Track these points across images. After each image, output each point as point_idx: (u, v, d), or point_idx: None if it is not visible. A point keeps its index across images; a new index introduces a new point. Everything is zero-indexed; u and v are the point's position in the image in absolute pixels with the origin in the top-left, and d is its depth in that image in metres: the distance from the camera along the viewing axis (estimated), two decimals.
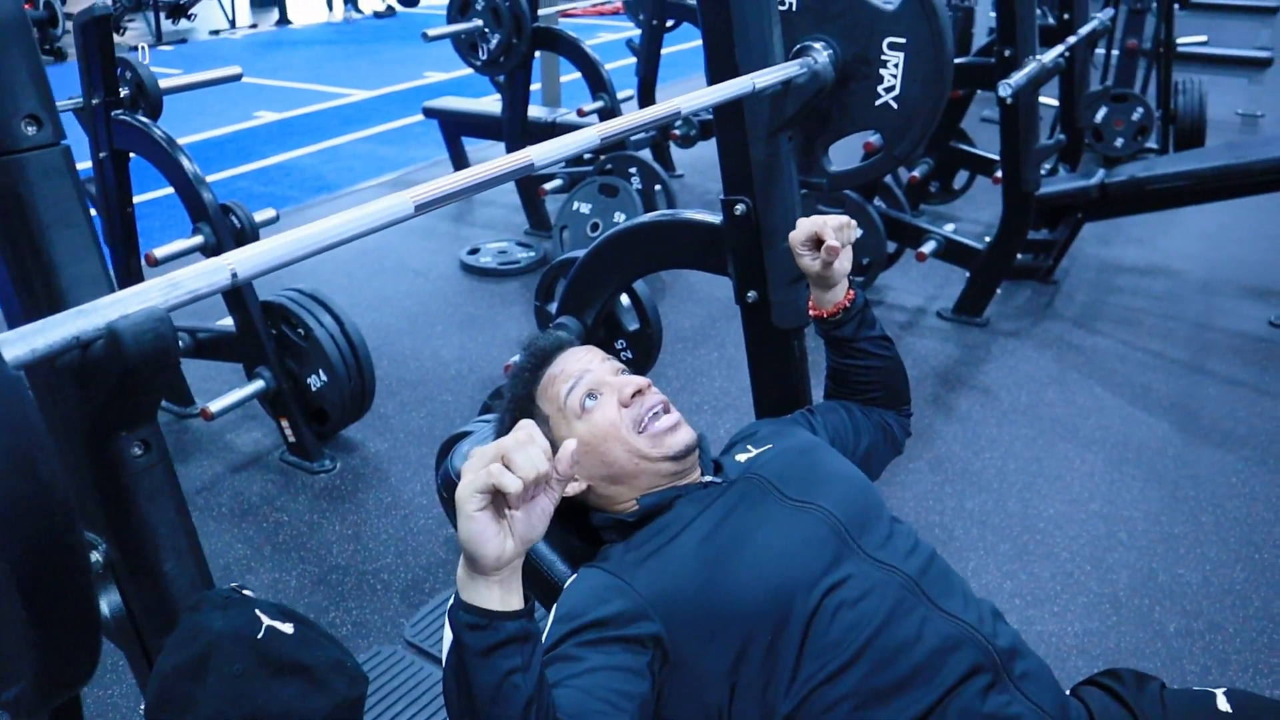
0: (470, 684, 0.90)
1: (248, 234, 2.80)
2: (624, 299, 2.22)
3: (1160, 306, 3.93)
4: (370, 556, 2.58)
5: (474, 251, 4.66)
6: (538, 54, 4.77)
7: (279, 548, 2.63)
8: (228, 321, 2.93)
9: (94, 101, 2.78)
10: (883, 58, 1.67)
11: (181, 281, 0.83)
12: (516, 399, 1.35)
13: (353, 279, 4.47)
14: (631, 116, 1.32)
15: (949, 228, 3.90)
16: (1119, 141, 5.08)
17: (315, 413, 2.97)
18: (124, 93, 2.86)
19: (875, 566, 1.16)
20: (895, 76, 1.67)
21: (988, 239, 3.68)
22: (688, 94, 1.44)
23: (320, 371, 2.88)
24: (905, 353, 3.60)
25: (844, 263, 1.40)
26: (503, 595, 0.90)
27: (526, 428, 0.89)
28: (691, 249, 1.93)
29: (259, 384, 2.88)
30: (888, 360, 1.52)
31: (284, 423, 2.96)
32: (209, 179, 2.82)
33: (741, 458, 1.35)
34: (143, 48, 2.95)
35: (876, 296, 4.05)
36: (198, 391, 3.27)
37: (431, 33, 4.26)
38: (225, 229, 2.76)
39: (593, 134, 1.24)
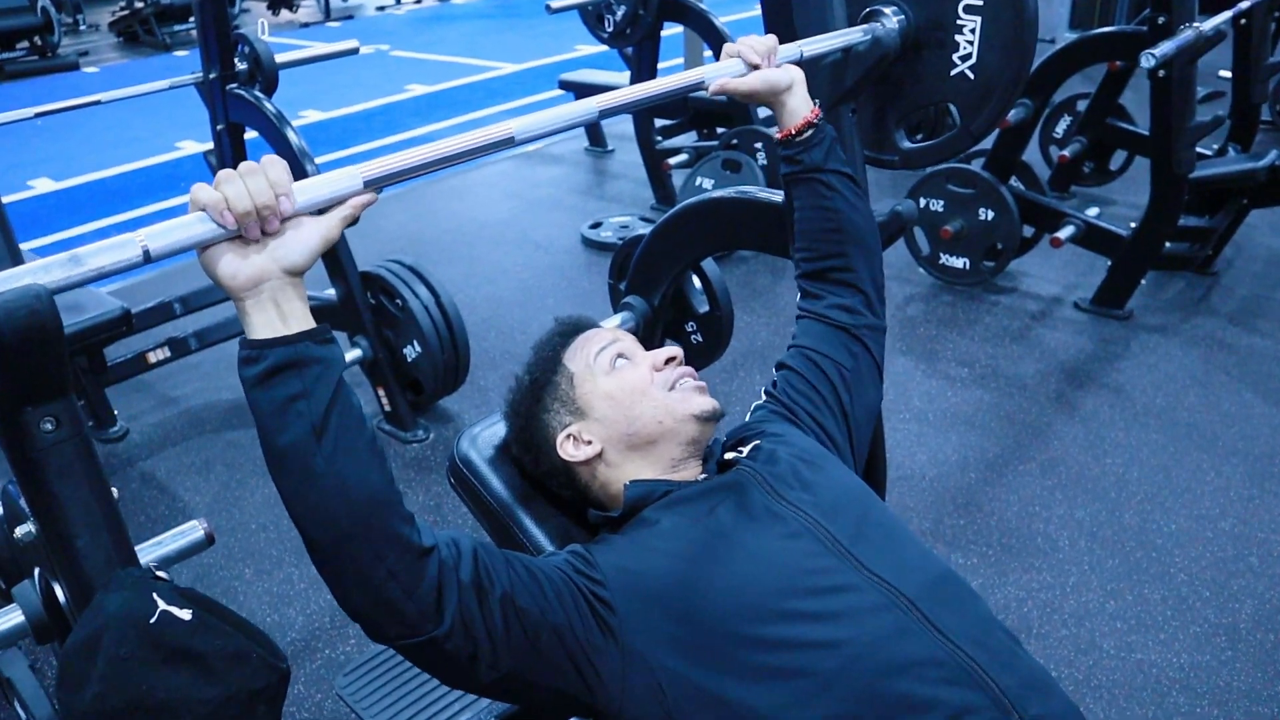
0: (257, 420, 0.88)
1: None
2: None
3: None
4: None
5: (596, 225, 4.64)
6: (680, 28, 4.68)
7: None
8: (331, 292, 3.00)
9: (211, 76, 2.89)
10: (958, 23, 1.51)
11: (84, 257, 0.81)
12: (541, 360, 1.31)
13: (474, 249, 4.53)
14: (643, 86, 1.22)
15: (1092, 212, 3.59)
16: None
17: (411, 383, 3.02)
18: (242, 67, 2.96)
19: (868, 580, 1.04)
20: (971, 44, 1.51)
21: (1134, 225, 3.37)
22: (720, 62, 1.33)
23: (415, 342, 2.92)
24: (1033, 345, 3.42)
25: (781, 73, 1.33)
26: (270, 321, 0.88)
27: (262, 160, 0.88)
28: (755, 228, 1.81)
29: (357, 353, 2.94)
30: (857, 207, 1.39)
31: (380, 392, 3.02)
32: (354, 150, 2.87)
33: (732, 455, 1.26)
34: (262, 23, 3.04)
35: (1009, 283, 3.79)
36: None
37: (555, 4, 4.24)
38: None
39: (591, 106, 1.16)
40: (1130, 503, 2.52)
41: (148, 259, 0.84)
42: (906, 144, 1.70)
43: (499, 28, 10.48)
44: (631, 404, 1.21)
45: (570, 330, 1.33)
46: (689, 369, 1.27)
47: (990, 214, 3.51)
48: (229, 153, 3.05)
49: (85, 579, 0.87)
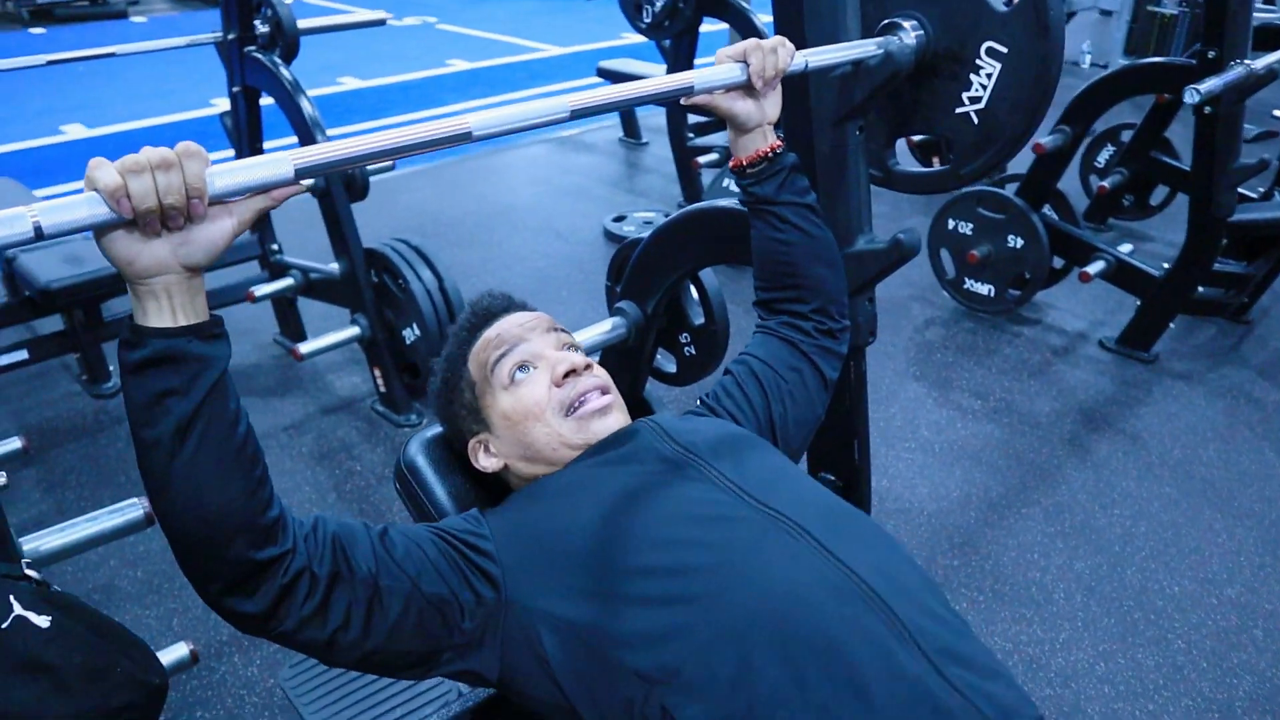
0: (127, 408, 0.83)
1: (357, 181, 2.80)
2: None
3: None
4: None
5: (620, 219, 4.56)
6: (726, 25, 4.58)
7: (344, 496, 2.63)
8: (335, 266, 2.95)
9: (229, 36, 2.84)
10: (977, 62, 1.42)
11: None
12: (449, 359, 1.27)
13: (493, 233, 4.47)
14: (624, 87, 1.14)
15: (1125, 248, 3.46)
16: None
17: (408, 366, 2.96)
18: (264, 30, 2.91)
19: (758, 511, 1.01)
20: (985, 88, 1.41)
21: (1167, 265, 3.24)
22: (716, 67, 1.25)
23: (414, 325, 2.86)
24: (1052, 382, 3.30)
25: (774, 108, 1.25)
26: (159, 310, 0.82)
27: (179, 150, 0.78)
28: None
29: (355, 330, 2.89)
30: (813, 238, 1.31)
31: (376, 372, 2.97)
32: (386, 121, 2.81)
33: None
34: None
35: (1034, 315, 3.67)
36: (313, 331, 3.33)
37: None
38: (336, 174, 2.77)
39: (563, 104, 1.07)
40: (1134, 559, 2.41)
41: (40, 236, 0.78)
42: (896, 164, 1.61)
43: (549, 8, 10.39)
44: (525, 429, 1.16)
45: (480, 320, 1.26)
46: (593, 382, 1.18)
47: (1020, 242, 3.39)
48: (243, 116, 3.00)
49: None
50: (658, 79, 1.18)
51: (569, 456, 1.15)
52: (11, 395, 3.10)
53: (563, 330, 1.25)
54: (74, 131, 5.89)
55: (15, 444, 2.04)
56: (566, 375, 1.16)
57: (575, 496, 1.08)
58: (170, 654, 1.66)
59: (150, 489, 0.84)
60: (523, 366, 1.18)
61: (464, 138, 1.00)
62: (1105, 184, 3.98)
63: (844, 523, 1.03)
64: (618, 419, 1.17)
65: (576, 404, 1.16)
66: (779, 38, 1.24)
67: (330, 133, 2.69)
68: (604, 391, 1.18)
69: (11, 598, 0.77)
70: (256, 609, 0.87)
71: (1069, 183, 3.82)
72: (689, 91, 1.20)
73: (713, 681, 0.89)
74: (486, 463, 1.21)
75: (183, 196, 0.78)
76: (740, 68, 1.22)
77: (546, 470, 1.17)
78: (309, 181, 2.70)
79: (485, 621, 1.00)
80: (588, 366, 1.19)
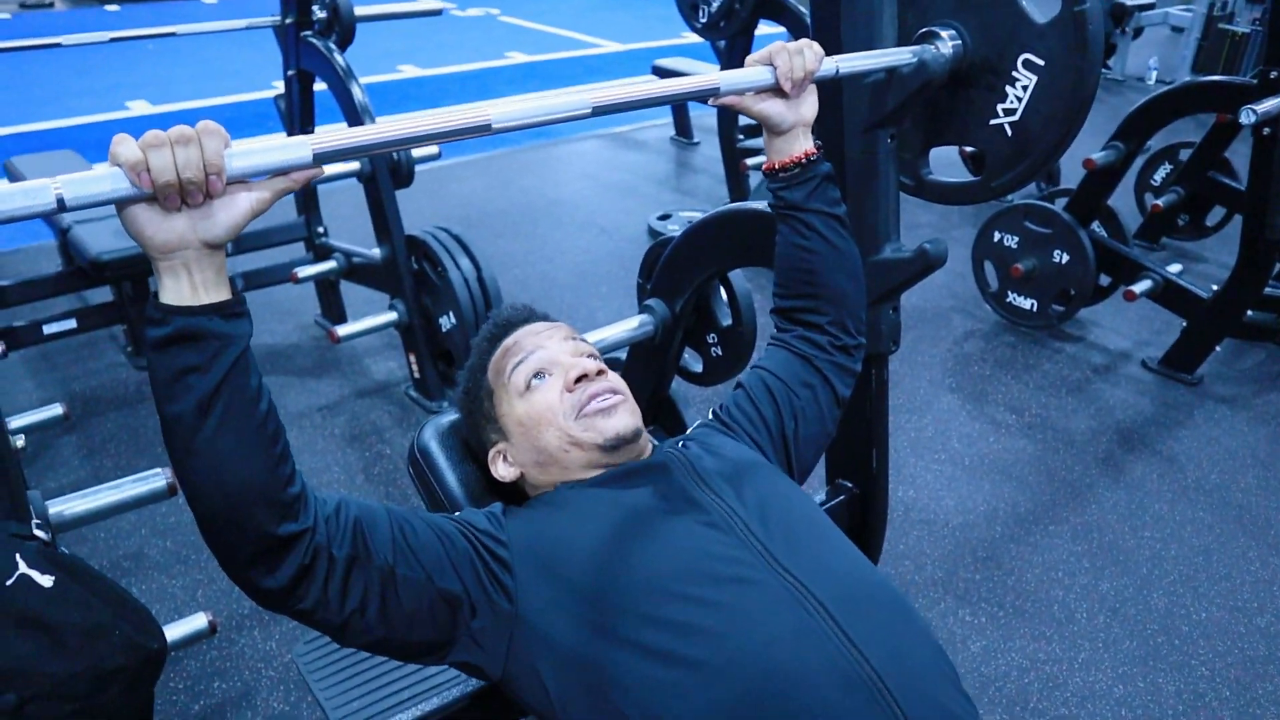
0: (152, 384, 0.86)
1: (403, 167, 2.84)
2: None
3: None
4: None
5: (665, 217, 4.57)
6: (780, 27, 4.57)
7: (372, 478, 2.67)
8: (377, 251, 2.99)
9: (287, 21, 2.89)
10: (1013, 74, 1.41)
11: None
12: (471, 369, 1.30)
13: (538, 225, 4.50)
14: (649, 85, 1.15)
15: (1174, 268, 3.39)
16: None
17: (443, 353, 2.99)
18: (321, 16, 2.96)
19: (778, 578, 1.00)
20: (1020, 100, 1.40)
21: (1215, 287, 3.17)
22: (740, 70, 1.25)
23: (451, 313, 2.89)
24: (1090, 400, 3.25)
25: (809, 108, 1.25)
26: (180, 287, 0.84)
27: (198, 127, 0.80)
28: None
29: (392, 315, 2.93)
30: (838, 249, 1.30)
31: (411, 357, 3.01)
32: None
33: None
34: None
35: (1077, 331, 3.61)
36: (355, 314, 3.38)
37: None
38: (382, 159, 2.81)
39: (584, 98, 1.09)
40: (1162, 582, 2.37)
41: (62, 207, 0.80)
42: (929, 174, 1.60)
43: (611, 4, 10.42)
44: (538, 434, 1.18)
45: (500, 331, 1.29)
46: (604, 385, 1.19)
47: (1065, 257, 3.34)
48: (297, 99, 3.06)
49: None
50: (684, 79, 1.18)
51: (580, 459, 1.16)
52: (60, 363, 3.20)
53: (580, 339, 1.27)
54: (139, 108, 6.04)
55: (57, 410, 2.11)
56: (578, 380, 1.18)
57: (597, 520, 1.08)
58: (189, 624, 1.70)
59: (175, 462, 0.87)
60: (539, 374, 1.20)
61: (483, 129, 1.01)
62: (1159, 202, 3.91)
63: (863, 597, 1.01)
64: (625, 419, 1.17)
65: (585, 406, 1.17)
66: (806, 40, 1.24)
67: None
68: (614, 393, 1.18)
69: (18, 556, 0.80)
70: (276, 584, 0.89)
71: (1124, 200, 3.76)
72: (715, 92, 1.20)
73: None
74: (505, 472, 1.23)
75: (200, 172, 0.80)
76: (768, 70, 1.22)
77: (561, 477, 1.18)
78: (355, 165, 2.75)
79: (495, 624, 1.02)
80: (600, 372, 1.20)
